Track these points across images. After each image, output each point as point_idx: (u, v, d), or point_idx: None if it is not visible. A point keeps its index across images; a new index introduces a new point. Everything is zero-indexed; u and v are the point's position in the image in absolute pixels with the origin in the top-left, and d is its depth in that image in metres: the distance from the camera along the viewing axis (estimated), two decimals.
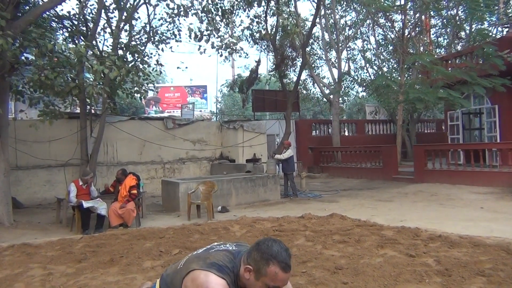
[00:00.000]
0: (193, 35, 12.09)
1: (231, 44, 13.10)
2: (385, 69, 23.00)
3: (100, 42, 13.01)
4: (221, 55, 13.00)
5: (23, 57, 9.65)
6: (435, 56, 15.88)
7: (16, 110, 15.96)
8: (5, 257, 5.25)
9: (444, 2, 17.44)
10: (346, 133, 22.61)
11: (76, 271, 4.59)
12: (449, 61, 15.24)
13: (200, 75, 53.51)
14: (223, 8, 13.34)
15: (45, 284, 4.19)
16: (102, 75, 9.90)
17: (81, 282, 4.22)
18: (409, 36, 19.29)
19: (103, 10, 11.92)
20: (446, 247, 5.01)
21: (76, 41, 12.09)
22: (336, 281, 3.97)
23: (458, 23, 18.37)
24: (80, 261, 4.97)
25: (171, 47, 24.60)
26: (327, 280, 3.98)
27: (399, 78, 17.35)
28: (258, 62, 20.16)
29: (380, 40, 23.15)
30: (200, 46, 12.47)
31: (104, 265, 4.76)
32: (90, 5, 12.71)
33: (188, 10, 12.33)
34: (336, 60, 21.29)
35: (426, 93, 10.87)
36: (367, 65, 23.51)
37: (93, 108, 13.96)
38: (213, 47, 12.71)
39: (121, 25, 11.98)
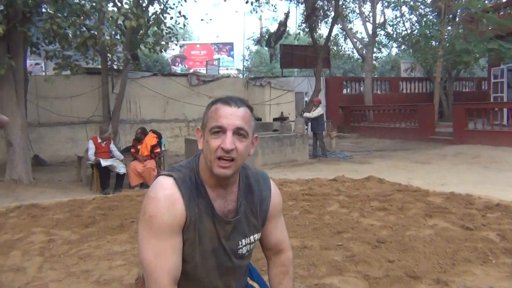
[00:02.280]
0: None
1: None
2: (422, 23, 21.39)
3: None
4: (246, 2, 12.02)
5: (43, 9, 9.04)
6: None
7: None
8: (10, 219, 4.82)
9: None
10: (379, 92, 21.43)
11: (81, 238, 4.08)
12: (500, 11, 13.80)
13: (227, 33, 52.20)
14: None
15: (44, 252, 3.70)
16: (119, 24, 9.25)
17: (83, 251, 3.71)
18: None
19: None
20: (509, 219, 4.24)
21: None
22: (380, 258, 3.30)
23: None
24: (88, 225, 4.47)
25: None
26: (368, 257, 3.32)
27: (440, 31, 15.94)
28: (287, 14, 18.96)
29: None
30: None
31: (112, 231, 4.24)
32: None
33: None
34: (371, 14, 19.89)
35: (475, 44, 9.76)
36: (404, 18, 21.92)
37: (114, 63, 13.45)
38: None
39: None
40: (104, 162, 7.81)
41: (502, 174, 8.45)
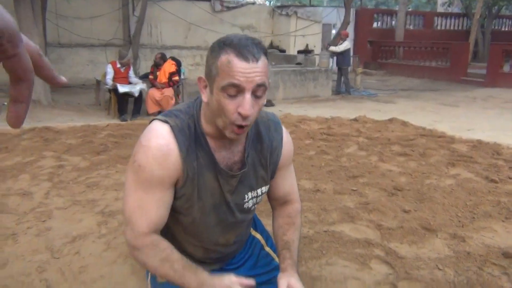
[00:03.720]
0: None
1: None
2: None
3: None
4: None
5: None
6: None
7: None
8: (22, 141, 4.79)
9: None
10: (411, 27, 20.29)
11: (90, 165, 4.03)
12: None
13: None
14: None
15: (53, 178, 3.67)
16: None
17: (91, 179, 3.66)
18: None
19: None
20: None
21: None
22: (395, 208, 3.15)
23: None
24: (99, 153, 4.41)
25: None
26: (383, 205, 3.17)
27: None
28: None
29: None
30: None
31: (122, 160, 4.16)
32: None
33: None
34: None
35: None
36: None
37: None
38: None
39: None
40: (121, 88, 7.66)
41: None
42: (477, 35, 18.35)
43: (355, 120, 6.35)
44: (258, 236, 1.78)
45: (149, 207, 1.30)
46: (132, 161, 1.30)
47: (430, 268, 2.36)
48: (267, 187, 1.54)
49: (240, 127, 1.21)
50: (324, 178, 3.84)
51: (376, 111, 8.22)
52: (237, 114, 1.19)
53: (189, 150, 1.30)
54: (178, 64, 8.67)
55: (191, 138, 1.31)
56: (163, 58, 8.50)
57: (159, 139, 1.27)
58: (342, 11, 15.44)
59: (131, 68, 8.38)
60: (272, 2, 26.10)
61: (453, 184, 3.70)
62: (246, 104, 1.17)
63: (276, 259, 1.76)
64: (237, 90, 1.17)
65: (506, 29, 22.86)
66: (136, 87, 7.84)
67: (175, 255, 1.36)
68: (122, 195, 3.16)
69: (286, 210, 1.64)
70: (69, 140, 4.89)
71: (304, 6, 16.68)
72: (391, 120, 6.24)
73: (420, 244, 2.66)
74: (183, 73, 9.42)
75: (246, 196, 1.46)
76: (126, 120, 7.20)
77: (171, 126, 1.28)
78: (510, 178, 3.82)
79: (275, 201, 1.64)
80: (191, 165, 1.31)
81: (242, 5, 15.32)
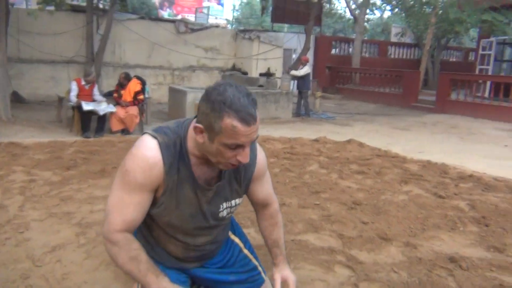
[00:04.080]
0: None
1: None
2: None
3: None
4: None
5: None
6: None
7: None
8: None
9: None
10: (367, 55, 21.32)
11: (62, 180, 4.10)
12: None
13: None
14: None
15: (25, 192, 3.72)
16: None
17: (64, 193, 3.75)
18: None
19: None
20: (480, 190, 4.42)
21: None
22: (355, 220, 3.44)
23: None
24: (69, 168, 4.48)
25: None
26: (344, 217, 3.45)
27: None
28: None
29: None
30: None
31: (93, 176, 4.26)
32: None
33: None
34: None
35: (469, 14, 9.72)
36: None
37: (100, 2, 12.96)
38: None
39: None
40: (86, 106, 7.66)
41: (478, 145, 8.68)
42: (427, 64, 19.50)
43: (316, 140, 6.70)
44: (237, 240, 1.99)
45: (127, 207, 1.50)
46: (122, 165, 1.51)
47: (387, 271, 2.64)
48: (241, 199, 1.77)
49: (235, 166, 1.47)
50: (289, 194, 4.10)
51: (334, 133, 8.63)
52: (235, 159, 1.44)
53: (172, 165, 1.51)
54: (143, 83, 8.78)
55: (175, 155, 1.52)
56: (127, 78, 8.58)
57: (147, 151, 1.48)
58: (303, 37, 16.06)
59: (96, 86, 8.40)
60: (234, 26, 26.66)
61: (405, 199, 4.05)
62: (246, 156, 1.44)
63: (253, 261, 1.98)
64: (239, 146, 1.41)
65: (454, 59, 24.40)
66: (101, 106, 7.86)
67: (143, 257, 1.55)
68: (99, 206, 3.27)
69: (267, 212, 1.88)
70: (37, 156, 4.92)
71: (267, 31, 17.20)
72: (349, 141, 6.64)
73: (377, 251, 2.95)
74: (147, 92, 9.53)
75: (221, 206, 1.68)
76: (89, 138, 7.20)
77: (159, 143, 1.49)
78: (455, 194, 4.23)
79: (257, 205, 1.89)
80: (172, 178, 1.52)
81: (206, 28, 15.64)
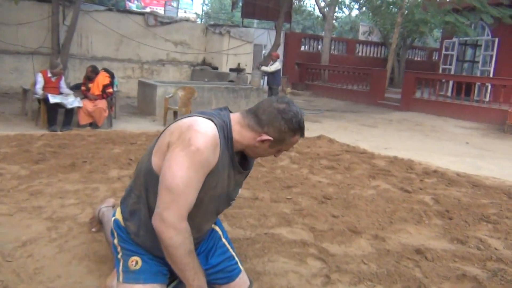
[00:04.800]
0: None
1: None
2: None
3: None
4: None
5: None
6: None
7: None
8: None
9: None
10: (336, 52, 21.64)
11: (31, 174, 4.01)
12: None
13: None
14: None
15: None
16: None
17: (34, 187, 3.67)
18: None
19: None
20: (444, 185, 4.61)
21: None
22: (325, 213, 3.53)
23: None
24: (37, 162, 4.38)
25: None
26: (315, 211, 3.54)
27: None
28: None
29: None
30: None
31: (63, 170, 4.19)
32: None
33: None
34: None
35: (433, 15, 10.04)
36: None
37: None
38: None
39: None
40: (52, 99, 7.45)
41: (441, 142, 9.01)
42: (393, 63, 20.01)
43: None
44: (217, 228, 2.07)
45: (194, 188, 1.55)
46: (188, 145, 1.52)
47: (357, 263, 2.74)
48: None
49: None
50: (261, 188, 4.16)
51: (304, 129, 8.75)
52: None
53: (222, 146, 1.62)
54: (112, 76, 8.63)
55: (223, 138, 1.62)
56: (95, 71, 8.40)
57: (213, 130, 1.58)
58: (273, 33, 16.15)
59: (63, 78, 8.20)
60: (203, 20, 26.47)
61: (374, 194, 4.19)
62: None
63: (231, 250, 2.05)
64: None
65: (418, 59, 25.08)
66: (69, 99, 7.68)
67: (195, 252, 1.62)
68: (70, 200, 3.21)
69: None
70: (3, 149, 4.78)
71: (237, 26, 17.19)
72: (319, 137, 6.76)
73: (347, 244, 3.04)
74: (116, 86, 9.37)
75: (238, 191, 1.87)
76: (56, 131, 7.01)
77: (215, 124, 1.60)
78: (421, 189, 4.40)
79: None
80: (221, 159, 1.62)
81: (176, 21, 15.47)
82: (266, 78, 12.30)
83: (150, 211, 1.68)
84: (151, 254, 1.79)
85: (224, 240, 2.06)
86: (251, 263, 2.65)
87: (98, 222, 2.80)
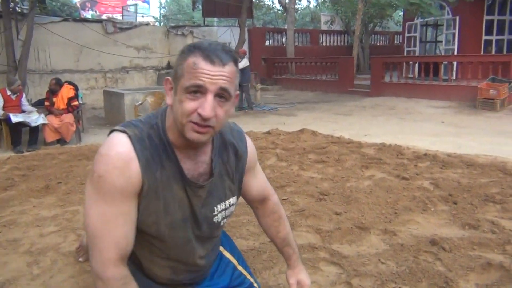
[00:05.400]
0: None
1: None
2: None
3: None
4: None
5: None
6: None
7: None
8: None
9: None
10: (300, 44, 21.57)
11: (1, 203, 3.64)
12: None
13: None
14: None
15: None
16: None
17: (7, 218, 3.31)
18: None
19: None
20: (438, 168, 4.49)
21: None
22: (327, 211, 3.33)
23: None
24: (6, 188, 4.00)
25: None
26: (316, 210, 3.33)
27: None
28: None
29: None
30: None
31: (37, 194, 3.83)
32: None
33: None
34: None
35: None
36: None
37: (17, 6, 11.97)
38: None
39: None
40: (14, 118, 6.99)
41: (417, 124, 9.01)
42: (358, 49, 20.11)
43: (268, 133, 6.57)
44: (229, 255, 1.75)
45: (115, 223, 1.22)
46: (91, 174, 1.23)
47: (374, 263, 2.54)
48: (235, 198, 1.54)
49: (200, 125, 1.21)
50: None
51: (280, 124, 8.57)
52: (196, 114, 1.19)
53: (150, 160, 1.26)
54: (76, 88, 8.24)
55: (153, 148, 1.28)
56: (59, 83, 7.98)
57: (118, 147, 1.23)
58: (236, 30, 15.90)
59: (23, 96, 7.73)
60: (163, 23, 25.93)
61: (371, 185, 4.01)
62: (207, 106, 1.18)
63: (249, 277, 1.76)
64: (200, 91, 1.19)
65: (381, 44, 25.35)
66: (32, 116, 7.23)
67: None
68: (49, 228, 2.90)
69: (268, 207, 1.68)
70: None
71: (199, 26, 16.87)
72: (302, 131, 6.57)
73: (358, 243, 2.85)
74: (81, 98, 8.95)
75: (215, 209, 1.45)
76: (22, 152, 6.57)
77: (129, 136, 1.25)
78: (417, 174, 4.26)
79: (255, 201, 1.68)
80: (153, 176, 1.26)
81: (136, 26, 15.04)
82: None
83: None
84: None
85: (240, 268, 1.75)
86: (262, 277, 2.41)
87: (85, 250, 2.49)
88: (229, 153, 1.47)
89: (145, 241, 1.37)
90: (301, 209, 3.37)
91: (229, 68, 1.21)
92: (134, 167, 1.22)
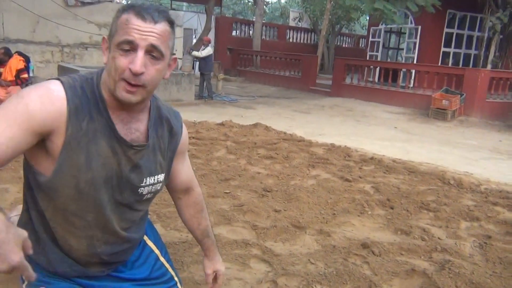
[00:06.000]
0: None
1: None
2: None
3: None
4: None
5: None
6: None
7: None
8: None
9: None
10: (267, 38, 21.55)
11: None
12: None
13: None
14: None
15: None
16: None
17: None
18: None
19: None
20: (382, 172, 4.59)
21: None
22: (267, 208, 3.32)
23: None
24: None
25: None
26: (256, 206, 3.31)
27: None
28: None
29: None
30: None
31: None
32: None
33: None
34: None
35: (363, 2, 10.19)
36: None
37: None
38: None
39: None
40: None
41: (371, 127, 9.21)
42: (323, 49, 20.32)
43: (222, 124, 6.51)
44: (152, 245, 1.68)
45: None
46: (15, 95, 1.20)
47: (304, 263, 2.55)
48: (164, 175, 1.48)
49: (131, 84, 1.20)
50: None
51: (238, 116, 8.54)
52: (128, 71, 1.19)
53: (79, 109, 1.22)
54: (27, 60, 7.86)
55: (84, 99, 1.24)
56: (8, 54, 7.61)
57: (51, 84, 1.22)
58: (203, 17, 15.69)
59: None
60: (129, 2, 25.18)
61: (314, 184, 4.05)
62: (138, 61, 1.18)
63: (170, 270, 1.71)
64: (131, 46, 1.19)
65: (346, 45, 25.73)
66: None
67: None
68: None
69: (192, 197, 1.67)
70: None
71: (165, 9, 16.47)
72: (255, 125, 6.55)
73: (292, 241, 2.85)
74: (32, 71, 8.55)
75: (144, 180, 1.39)
76: None
77: (62, 82, 1.23)
78: (360, 177, 4.33)
79: (179, 191, 1.64)
80: (78, 124, 1.22)
81: (99, 2, 14.48)
82: (197, 63, 11.88)
83: (38, 210, 1.32)
84: (55, 273, 1.41)
85: (162, 259, 1.69)
86: (189, 271, 2.36)
87: None
88: (164, 128, 1.44)
89: (60, 205, 1.29)
90: (241, 204, 3.35)
91: (160, 27, 1.21)
92: (58, 107, 1.19)
